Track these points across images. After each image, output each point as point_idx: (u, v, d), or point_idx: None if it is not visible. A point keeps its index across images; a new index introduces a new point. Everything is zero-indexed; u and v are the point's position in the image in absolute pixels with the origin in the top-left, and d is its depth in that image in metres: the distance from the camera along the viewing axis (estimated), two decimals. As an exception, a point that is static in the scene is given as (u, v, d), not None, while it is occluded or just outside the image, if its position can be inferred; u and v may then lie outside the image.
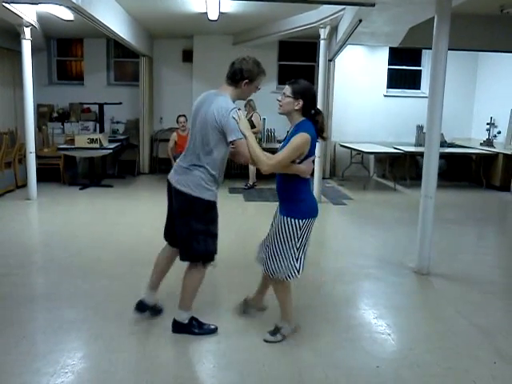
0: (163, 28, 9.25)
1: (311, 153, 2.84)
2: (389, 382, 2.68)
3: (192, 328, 3.13)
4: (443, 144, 9.03)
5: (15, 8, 6.20)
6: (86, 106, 9.96)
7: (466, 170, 9.75)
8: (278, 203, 3.05)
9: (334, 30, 7.70)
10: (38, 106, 9.77)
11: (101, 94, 9.81)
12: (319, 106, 7.53)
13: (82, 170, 9.72)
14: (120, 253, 4.87)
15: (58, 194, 7.85)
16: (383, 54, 10.03)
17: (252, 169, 8.59)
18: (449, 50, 4.21)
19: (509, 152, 8.64)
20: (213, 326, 3.18)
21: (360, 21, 6.11)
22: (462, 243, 5.71)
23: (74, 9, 5.40)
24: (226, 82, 2.96)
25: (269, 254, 2.97)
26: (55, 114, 10.11)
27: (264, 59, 11.28)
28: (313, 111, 2.88)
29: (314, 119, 2.87)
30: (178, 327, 3.12)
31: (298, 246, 2.89)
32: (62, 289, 3.89)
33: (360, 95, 10.05)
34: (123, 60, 10.63)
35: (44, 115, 10.03)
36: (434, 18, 4.25)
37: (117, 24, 6.98)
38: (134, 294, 3.79)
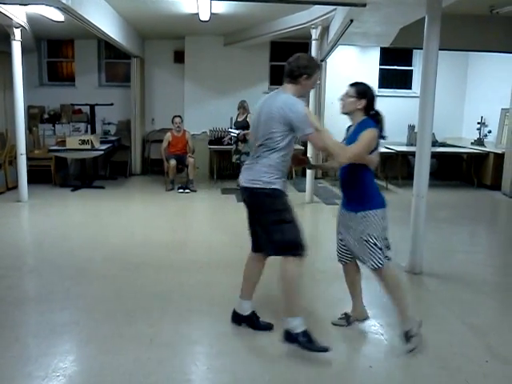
0: (154, 29, 9.22)
1: (377, 147, 3.02)
2: (382, 382, 2.68)
3: (303, 339, 2.84)
4: (434, 143, 9.07)
5: (4, 9, 6.16)
6: (77, 107, 9.91)
7: (457, 170, 9.81)
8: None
9: (325, 30, 7.71)
10: (28, 108, 9.70)
11: (92, 95, 9.77)
12: (311, 106, 7.58)
13: (73, 172, 9.67)
14: (112, 254, 4.85)
15: (49, 195, 7.80)
16: (375, 54, 10.06)
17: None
18: (439, 50, 4.23)
19: (499, 151, 8.69)
20: (325, 346, 2.85)
21: (351, 21, 6.13)
22: (454, 242, 5.74)
23: (64, 10, 5.36)
24: (285, 81, 3.00)
25: (362, 250, 3.03)
26: (46, 116, 10.05)
27: (256, 60, 11.32)
28: (373, 111, 3.06)
29: (374, 119, 3.05)
30: (292, 337, 2.87)
31: (384, 235, 3.05)
32: (54, 291, 3.87)
33: (352, 95, 10.05)
34: (114, 61, 10.59)
35: (35, 117, 9.96)
36: (424, 18, 4.26)
37: (107, 25, 6.94)
38: (126, 296, 3.79)
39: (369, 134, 2.92)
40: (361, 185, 3.04)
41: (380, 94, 10.41)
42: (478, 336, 3.24)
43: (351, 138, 3.02)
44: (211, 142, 9.53)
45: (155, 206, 7.36)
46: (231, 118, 9.12)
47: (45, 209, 6.95)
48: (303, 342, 2.84)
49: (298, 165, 3.48)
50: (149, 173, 10.09)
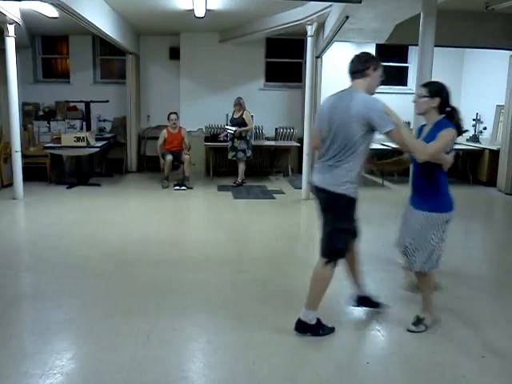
0: (149, 25, 9.18)
1: (453, 148, 3.06)
2: (379, 378, 2.69)
3: (319, 330, 3.09)
4: (430, 140, 9.09)
5: (-2, 5, 6.12)
6: (72, 104, 9.85)
7: (453, 166, 9.62)
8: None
9: (321, 26, 7.70)
10: (23, 105, 9.65)
11: (87, 92, 9.71)
12: (306, 103, 7.58)
13: (69, 169, 9.63)
14: (108, 252, 4.84)
15: (44, 193, 7.77)
16: (370, 51, 9.84)
17: (241, 166, 8.58)
18: (435, 46, 4.24)
19: (495, 148, 8.72)
20: (329, 330, 3.14)
21: (347, 17, 6.12)
22: (450, 239, 5.72)
23: (58, 6, 5.34)
24: (353, 77, 3.01)
25: (417, 249, 3.10)
26: (41, 113, 9.99)
27: (251, 56, 11.32)
28: (449, 108, 3.07)
29: (450, 115, 3.06)
30: (304, 327, 3.08)
31: (443, 237, 3.10)
32: (50, 289, 3.86)
33: (347, 92, 10.05)
34: (109, 58, 10.53)
35: (29, 114, 9.90)
36: (420, 14, 4.27)
37: (102, 21, 6.91)
38: (122, 293, 3.79)
39: (448, 133, 2.94)
40: (435, 184, 3.07)
41: (375, 90, 10.45)
42: (474, 331, 3.25)
43: (428, 137, 3.02)
44: (207, 139, 9.51)
45: (151, 203, 7.34)
46: (227, 115, 9.11)
47: (40, 206, 6.93)
48: (318, 331, 3.07)
49: (366, 164, 3.39)
50: (145, 170, 10.06)
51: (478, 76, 9.88)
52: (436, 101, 3.03)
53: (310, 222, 6.74)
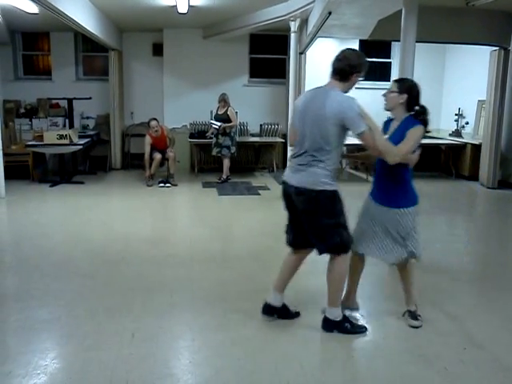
0: (132, 21, 9.10)
1: (419, 145, 3.07)
2: (363, 371, 2.72)
3: (345, 324, 3.09)
4: (413, 135, 9.17)
5: (-23, 1, 6.02)
6: (54, 101, 9.75)
7: (436, 161, 9.93)
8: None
9: (304, 22, 7.72)
10: (4, 102, 9.53)
11: (70, 89, 9.62)
12: (290, 99, 7.58)
13: (51, 167, 9.53)
14: (92, 250, 4.81)
15: (27, 191, 7.68)
16: (353, 46, 9.99)
17: (226, 163, 8.56)
18: (417, 42, 4.28)
19: (476, 142, 8.83)
20: (363, 326, 3.17)
21: (329, 13, 6.14)
22: (433, 232, 5.82)
23: (37, 1, 5.27)
24: (334, 78, 2.96)
25: (393, 243, 3.11)
26: (22, 110, 9.86)
27: (235, 52, 11.30)
28: (417, 107, 3.08)
29: (417, 114, 3.07)
30: (331, 325, 3.09)
31: (417, 229, 3.13)
32: (33, 288, 3.82)
33: (331, 88, 10.10)
34: (92, 54, 10.43)
35: (11, 111, 9.76)
36: (401, 10, 4.30)
37: (83, 17, 6.83)
38: (107, 292, 3.76)
39: (417, 131, 2.96)
40: (400, 182, 3.08)
41: (359, 86, 10.47)
42: (456, 324, 3.30)
43: (396, 134, 3.03)
44: (192, 136, 9.48)
45: (136, 200, 7.30)
46: (211, 111, 9.09)
47: (23, 205, 6.85)
48: (346, 327, 3.08)
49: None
50: (129, 167, 10.00)
51: (459, 71, 9.99)
52: (403, 97, 3.04)
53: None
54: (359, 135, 2.83)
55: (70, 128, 8.86)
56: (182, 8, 7.20)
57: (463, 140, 9.29)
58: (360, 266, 3.37)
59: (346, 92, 2.97)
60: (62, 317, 3.32)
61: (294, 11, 7.17)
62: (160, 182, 8.18)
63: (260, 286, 3.87)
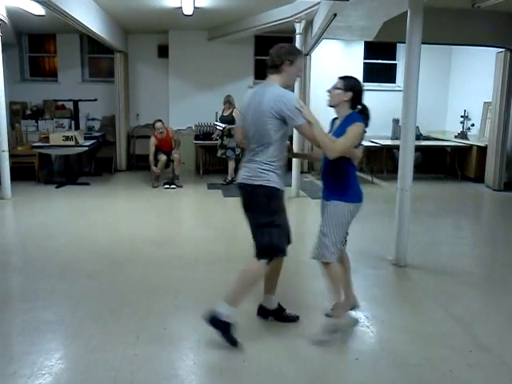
0: (138, 23, 9.14)
1: (361, 141, 3.05)
2: (368, 374, 2.71)
3: (227, 330, 2.89)
4: (419, 137, 9.16)
5: (-16, 3, 6.06)
6: (60, 102, 9.79)
7: (442, 163, 9.90)
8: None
9: (309, 24, 7.71)
10: (10, 104, 9.56)
11: (75, 91, 9.66)
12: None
13: (57, 168, 9.58)
14: (98, 251, 4.82)
15: (33, 192, 7.71)
16: (359, 48, 10.09)
17: (231, 164, 8.57)
18: (422, 43, 4.25)
19: (482, 144, 8.79)
20: (236, 340, 2.92)
21: (335, 15, 6.14)
22: (439, 235, 5.80)
23: (44, 3, 5.30)
24: (270, 72, 2.96)
25: (321, 240, 3.04)
26: (28, 112, 9.91)
27: (240, 54, 11.29)
28: (360, 106, 3.08)
29: (360, 113, 3.06)
30: (216, 321, 2.90)
31: (347, 229, 3.09)
32: (39, 289, 3.83)
33: (336, 89, 10.09)
34: (98, 56, 10.47)
35: (17, 113, 9.82)
36: (407, 12, 4.28)
37: (89, 19, 6.86)
38: (112, 293, 3.77)
39: (356, 128, 2.94)
40: (343, 176, 3.05)
41: (364, 87, 10.48)
42: (462, 326, 3.28)
43: (338, 131, 3.02)
44: (197, 137, 9.49)
45: (141, 202, 7.32)
46: (216, 113, 9.10)
47: (29, 206, 6.88)
48: (226, 332, 2.88)
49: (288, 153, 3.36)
50: (134, 168, 10.02)
51: (465, 73, 9.96)
52: (348, 95, 3.02)
53: (299, 219, 6.75)
54: (298, 128, 2.84)
55: (75, 129, 8.90)
56: (188, 10, 7.22)
57: (469, 142, 9.25)
58: (345, 263, 3.34)
59: (287, 86, 2.95)
60: (67, 318, 3.32)
61: (299, 13, 7.17)
62: (165, 184, 8.19)
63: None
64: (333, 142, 2.90)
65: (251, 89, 3.10)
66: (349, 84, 3.05)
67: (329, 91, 3.10)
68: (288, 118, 2.80)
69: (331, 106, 3.13)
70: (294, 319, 3.28)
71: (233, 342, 2.90)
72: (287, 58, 2.91)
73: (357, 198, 3.07)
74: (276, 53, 2.93)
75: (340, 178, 3.05)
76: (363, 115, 3.07)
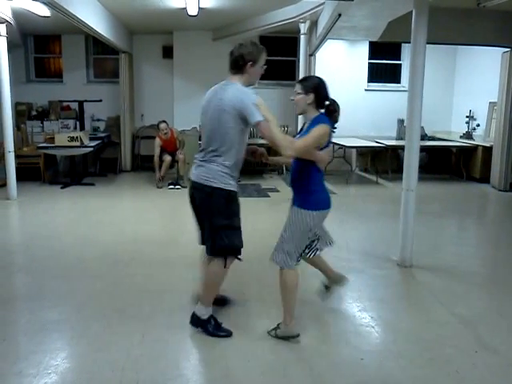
0: (142, 24, 9.16)
1: (328, 144, 2.94)
2: (373, 374, 2.70)
3: (208, 326, 3.05)
4: (424, 137, 9.13)
5: (-10, 4, 6.09)
6: (65, 103, 9.83)
7: (447, 163, 9.87)
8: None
9: (314, 24, 7.71)
10: (16, 105, 9.61)
11: (80, 92, 9.69)
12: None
13: (62, 169, 9.61)
14: (103, 251, 4.83)
15: (38, 193, 7.74)
16: (363, 49, 10.08)
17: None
18: (427, 43, 4.24)
19: (488, 144, 8.76)
20: (227, 332, 3.06)
21: (339, 15, 6.13)
22: (444, 235, 5.79)
23: (50, 4, 5.32)
24: (231, 71, 2.95)
25: (279, 244, 2.99)
26: (34, 112, 9.96)
27: (245, 54, 10.95)
28: (327, 102, 2.96)
29: (328, 110, 2.96)
30: (196, 321, 3.08)
31: (309, 236, 3.00)
32: (44, 289, 3.85)
33: (341, 90, 10.05)
34: (102, 57, 10.51)
35: (23, 114, 9.86)
36: (412, 12, 4.28)
37: (94, 20, 6.88)
38: (117, 293, 3.78)
39: (320, 129, 2.84)
40: (308, 182, 2.95)
41: (369, 88, 10.49)
42: (468, 327, 3.27)
43: (303, 134, 2.92)
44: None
45: (146, 202, 7.33)
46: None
47: (34, 206, 6.90)
48: (208, 328, 3.04)
49: (256, 158, 3.24)
50: (139, 169, 10.04)
51: (470, 73, 9.93)
52: (310, 97, 2.90)
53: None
54: (256, 125, 2.77)
55: (80, 130, 8.92)
56: (192, 10, 7.23)
57: (474, 142, 9.21)
58: (316, 259, 3.30)
59: (250, 84, 2.94)
60: (72, 317, 3.34)
61: (303, 13, 7.17)
62: (170, 184, 8.20)
63: (269, 288, 3.86)
64: (290, 141, 2.82)
65: (212, 88, 3.05)
66: (307, 85, 2.93)
67: (292, 99, 2.99)
68: (247, 116, 2.76)
69: (299, 114, 3.06)
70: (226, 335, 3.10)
71: (224, 335, 3.03)
72: (249, 59, 2.88)
73: (321, 204, 2.96)
74: (239, 53, 2.89)
75: (304, 184, 2.96)
76: (332, 113, 2.95)
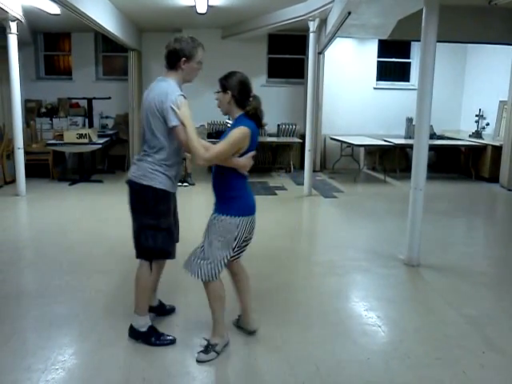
0: (151, 21, 9.18)
1: (251, 147, 2.71)
2: (379, 374, 2.70)
3: (150, 338, 2.91)
4: (433, 136, 9.08)
5: (0, 2, 6.12)
6: (74, 100, 9.88)
7: (456, 162, 9.81)
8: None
9: (323, 22, 7.68)
10: (25, 102, 9.68)
11: (89, 89, 9.74)
12: (309, 99, 7.54)
13: (71, 166, 9.67)
14: (110, 248, 4.85)
15: (47, 189, 7.80)
16: (372, 47, 10.04)
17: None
18: (438, 42, 4.21)
19: (497, 144, 8.69)
20: (171, 337, 2.96)
21: (349, 13, 6.10)
22: (452, 234, 5.75)
23: (60, 2, 5.35)
24: (166, 67, 2.81)
25: (198, 254, 2.78)
26: (43, 110, 10.02)
27: (253, 52, 11.30)
28: (250, 99, 2.73)
29: (248, 111, 2.71)
30: (135, 334, 2.94)
31: (233, 245, 2.73)
32: (52, 285, 3.87)
33: (350, 88, 10.06)
34: (112, 54, 10.55)
35: (32, 110, 9.93)
36: (422, 9, 4.25)
37: (104, 18, 6.91)
38: (124, 289, 3.79)
39: (237, 132, 2.60)
40: (227, 188, 2.73)
41: (378, 86, 10.45)
42: (475, 327, 3.25)
43: (223, 137, 2.69)
44: (210, 135, 9.51)
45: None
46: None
47: (43, 203, 6.95)
48: (151, 340, 2.91)
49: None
50: (147, 166, 10.06)
51: (480, 72, 9.85)
52: (228, 96, 2.69)
53: (311, 218, 6.74)
54: (172, 129, 2.65)
55: (89, 127, 8.97)
56: (201, 8, 7.23)
57: (483, 141, 9.15)
58: (239, 282, 3.08)
59: (186, 81, 2.84)
60: (80, 313, 3.36)
61: (312, 11, 7.14)
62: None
63: (275, 286, 3.87)
64: (205, 148, 2.63)
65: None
66: (224, 84, 2.72)
67: (217, 99, 2.78)
68: (166, 118, 2.65)
69: (225, 115, 2.83)
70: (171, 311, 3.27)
71: (167, 343, 2.92)
72: (183, 55, 2.75)
73: (246, 210, 2.72)
74: (172, 48, 2.77)
75: (224, 190, 2.73)
76: (254, 112, 2.70)
